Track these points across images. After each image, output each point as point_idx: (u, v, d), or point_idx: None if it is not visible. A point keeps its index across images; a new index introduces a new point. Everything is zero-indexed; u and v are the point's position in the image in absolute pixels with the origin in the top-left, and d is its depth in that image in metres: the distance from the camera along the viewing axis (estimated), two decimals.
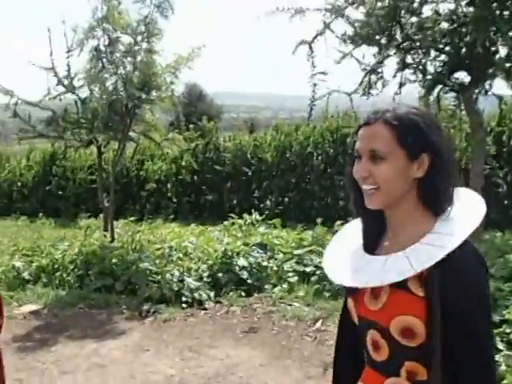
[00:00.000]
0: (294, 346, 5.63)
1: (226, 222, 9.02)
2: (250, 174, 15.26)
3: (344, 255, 1.78)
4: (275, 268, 7.67)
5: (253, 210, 9.25)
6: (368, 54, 8.66)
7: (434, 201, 1.63)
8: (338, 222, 7.36)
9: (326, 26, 7.89)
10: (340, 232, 1.91)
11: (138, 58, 8.54)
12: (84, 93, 8.91)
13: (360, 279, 1.66)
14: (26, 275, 7.85)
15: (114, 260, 7.70)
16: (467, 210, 1.65)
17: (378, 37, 8.29)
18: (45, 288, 7.54)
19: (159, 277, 7.18)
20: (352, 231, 1.84)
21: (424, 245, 1.58)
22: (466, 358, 1.56)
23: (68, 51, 8.60)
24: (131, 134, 9.28)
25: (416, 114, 1.64)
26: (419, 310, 1.56)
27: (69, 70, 8.73)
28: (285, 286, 7.29)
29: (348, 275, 1.70)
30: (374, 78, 9.18)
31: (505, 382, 4.25)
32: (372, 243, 1.75)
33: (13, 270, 7.91)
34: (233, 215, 9.07)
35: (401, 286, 1.58)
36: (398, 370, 1.65)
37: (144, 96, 8.45)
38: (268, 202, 14.87)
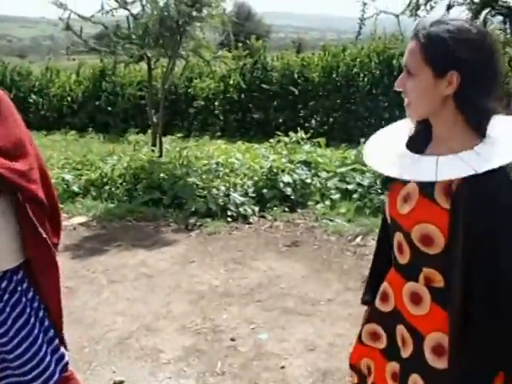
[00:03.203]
0: (335, 260, 5.63)
1: (271, 140, 8.93)
2: (296, 93, 15.03)
3: (386, 149, 1.80)
4: (318, 185, 7.62)
5: (298, 129, 9.11)
6: None
7: (471, 116, 1.61)
8: None
9: None
10: (384, 129, 1.91)
11: None
12: (136, 8, 8.75)
13: (409, 173, 1.67)
14: (75, 188, 7.89)
15: (161, 174, 7.71)
16: (510, 139, 1.61)
17: None
18: (94, 201, 7.61)
19: (205, 191, 7.18)
20: (397, 131, 1.85)
21: (458, 159, 1.58)
22: (480, 281, 1.55)
23: None
24: (181, 51, 9.12)
25: (450, 31, 1.57)
26: (441, 221, 1.58)
27: None
28: (327, 202, 7.26)
29: (395, 168, 1.72)
30: None
31: None
32: (416, 148, 1.74)
33: (62, 182, 7.92)
34: (279, 133, 8.96)
35: (428, 194, 1.62)
36: (417, 274, 1.71)
37: (194, 13, 8.25)
38: (313, 122, 14.72)
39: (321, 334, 4.15)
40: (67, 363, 2.47)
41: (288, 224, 6.71)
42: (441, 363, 1.65)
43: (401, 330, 1.80)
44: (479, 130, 1.61)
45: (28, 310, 2.27)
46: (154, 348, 4.05)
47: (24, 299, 2.27)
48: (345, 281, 5.12)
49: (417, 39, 1.60)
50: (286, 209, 7.12)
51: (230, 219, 6.85)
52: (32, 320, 2.27)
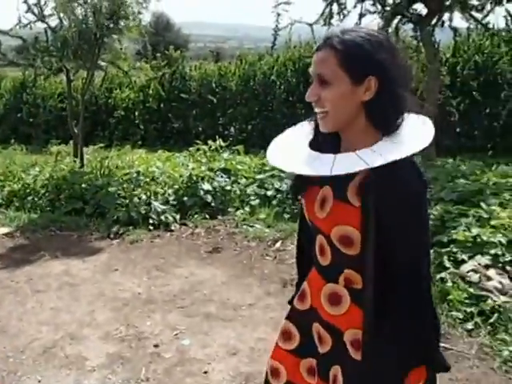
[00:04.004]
0: (255, 265, 5.68)
1: (191, 148, 8.94)
2: (214, 102, 15.11)
3: (288, 148, 1.78)
4: (238, 192, 7.68)
5: (217, 137, 9.17)
6: None
7: (382, 122, 1.62)
8: None
9: None
10: (286, 132, 1.88)
11: None
12: (54, 21, 8.61)
13: (308, 169, 1.67)
14: None
15: (83, 185, 7.59)
16: (413, 135, 1.62)
17: None
18: (17, 212, 7.42)
19: (127, 200, 7.12)
20: (297, 133, 1.84)
21: (354, 156, 1.58)
22: (397, 272, 1.58)
23: None
24: (100, 62, 9.02)
25: (363, 37, 1.58)
26: (356, 220, 1.60)
27: None
28: (247, 208, 7.31)
29: (297, 165, 1.70)
30: (335, 8, 9.06)
31: (450, 297, 4.39)
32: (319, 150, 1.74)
33: None
34: (198, 141, 8.98)
35: (342, 197, 1.64)
36: (337, 276, 1.73)
37: (112, 25, 8.19)
38: (232, 130, 14.83)
39: (242, 339, 4.19)
40: None
41: (209, 231, 6.73)
42: (359, 355, 1.69)
43: (317, 327, 1.83)
44: (388, 133, 1.62)
45: None
46: (79, 356, 3.99)
47: None
48: (265, 285, 5.18)
49: (330, 47, 1.58)
50: (207, 216, 7.13)
51: (151, 227, 6.81)
52: None
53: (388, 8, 8.81)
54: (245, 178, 8.11)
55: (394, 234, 1.56)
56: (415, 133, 1.63)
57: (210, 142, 8.81)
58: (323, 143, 1.74)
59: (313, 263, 1.87)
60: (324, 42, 1.62)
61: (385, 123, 1.62)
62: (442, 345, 3.82)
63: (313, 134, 1.78)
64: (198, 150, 8.65)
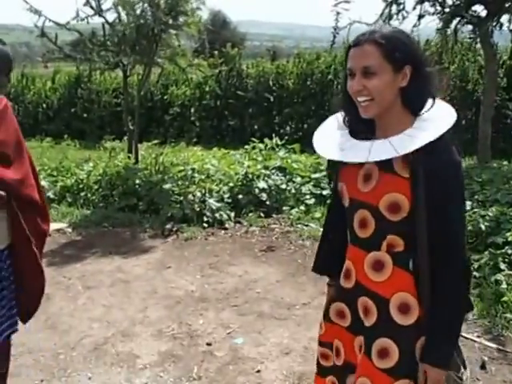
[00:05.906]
0: (309, 264, 5.57)
1: (247, 146, 8.93)
2: (271, 100, 15.09)
3: (332, 138, 2.00)
4: (293, 190, 7.64)
5: (273, 136, 9.14)
6: None
7: (417, 104, 1.86)
8: None
9: None
10: (326, 122, 2.12)
11: None
12: (111, 16, 8.67)
13: (347, 156, 1.89)
14: (50, 194, 7.79)
15: (137, 181, 7.65)
16: (440, 113, 1.86)
17: None
18: (69, 207, 7.53)
19: (181, 197, 7.15)
20: (338, 123, 2.05)
21: (406, 136, 1.81)
22: (438, 237, 1.80)
23: None
24: (157, 58, 9.06)
25: (397, 31, 1.86)
26: (404, 189, 1.80)
27: None
28: (302, 207, 7.27)
29: (336, 153, 1.93)
30: (394, 9, 9.01)
31: (504, 298, 4.32)
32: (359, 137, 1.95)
33: None
34: (254, 140, 8.97)
35: (388, 169, 1.83)
36: (379, 244, 1.89)
37: (171, 21, 8.22)
38: (288, 128, 14.78)
39: (296, 338, 4.14)
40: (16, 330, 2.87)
41: (263, 229, 6.71)
42: (408, 320, 1.85)
43: (363, 301, 1.95)
44: (416, 114, 1.86)
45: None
46: (130, 353, 4.00)
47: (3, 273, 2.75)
48: (319, 285, 5.08)
49: (374, 42, 1.79)
50: (262, 214, 7.12)
51: (205, 225, 6.82)
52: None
53: (447, 9, 8.70)
54: (300, 176, 8.06)
55: (440, 202, 1.78)
56: (440, 113, 1.86)
57: (266, 140, 8.79)
58: (357, 131, 1.95)
59: (348, 242, 2.02)
60: (364, 38, 1.82)
61: (419, 105, 1.85)
62: (494, 346, 3.76)
63: (347, 124, 1.99)
64: (254, 148, 8.64)
